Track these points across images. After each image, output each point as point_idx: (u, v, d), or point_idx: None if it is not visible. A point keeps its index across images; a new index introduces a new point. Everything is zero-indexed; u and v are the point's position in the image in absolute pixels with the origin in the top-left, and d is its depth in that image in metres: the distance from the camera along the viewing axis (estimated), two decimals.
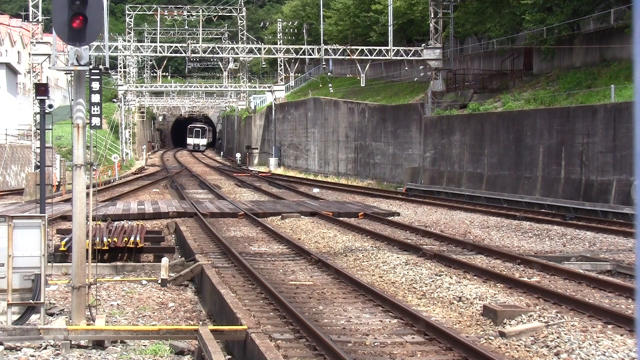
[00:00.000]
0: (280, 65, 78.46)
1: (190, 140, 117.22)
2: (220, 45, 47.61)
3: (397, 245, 19.47)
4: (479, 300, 12.60)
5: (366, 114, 50.65)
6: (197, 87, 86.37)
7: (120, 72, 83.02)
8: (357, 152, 51.90)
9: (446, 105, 40.81)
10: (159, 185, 46.58)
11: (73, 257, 12.25)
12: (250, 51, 46.82)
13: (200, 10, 73.10)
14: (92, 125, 12.52)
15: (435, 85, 42.42)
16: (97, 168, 45.47)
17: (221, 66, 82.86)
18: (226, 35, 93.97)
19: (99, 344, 11.43)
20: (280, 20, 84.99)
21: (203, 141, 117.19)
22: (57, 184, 40.67)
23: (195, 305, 15.23)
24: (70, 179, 15.36)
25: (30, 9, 39.61)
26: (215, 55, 46.24)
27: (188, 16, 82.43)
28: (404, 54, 42.65)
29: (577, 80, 34.08)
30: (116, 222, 24.18)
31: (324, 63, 48.58)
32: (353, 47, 43.66)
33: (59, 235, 21.36)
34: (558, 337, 10.16)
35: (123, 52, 56.52)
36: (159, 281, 16.76)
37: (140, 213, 26.45)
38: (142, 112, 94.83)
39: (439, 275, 14.92)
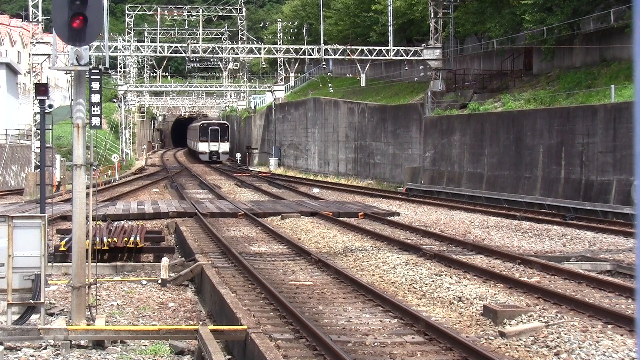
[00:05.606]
0: (280, 65, 78.44)
1: (203, 147, 79.65)
2: (220, 45, 47.62)
3: (397, 245, 19.47)
4: (479, 300, 12.60)
5: (366, 114, 50.62)
6: (197, 87, 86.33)
7: (120, 72, 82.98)
8: (357, 152, 51.87)
9: (446, 105, 40.80)
10: (159, 185, 46.58)
11: (73, 257, 12.25)
12: (250, 51, 46.82)
13: (200, 10, 73.09)
14: (92, 125, 12.52)
15: (435, 85, 42.42)
16: (97, 168, 45.43)
17: (221, 66, 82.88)
18: (226, 35, 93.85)
19: (99, 344, 11.43)
20: (280, 20, 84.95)
21: (224, 146, 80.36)
22: (57, 184, 40.67)
23: (195, 305, 15.22)
24: (70, 179, 15.36)
25: (30, 9, 39.59)
26: (215, 55, 46.24)
27: (188, 16, 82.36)
28: (404, 54, 42.64)
29: (577, 80, 34.08)
30: (116, 222, 24.17)
31: (324, 63, 48.54)
32: (353, 47, 43.65)
33: (59, 235, 21.35)
34: (558, 337, 10.16)
35: (123, 52, 56.48)
36: (159, 281, 16.75)
37: (140, 213, 26.45)
38: (142, 112, 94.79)
39: (439, 275, 14.92)
